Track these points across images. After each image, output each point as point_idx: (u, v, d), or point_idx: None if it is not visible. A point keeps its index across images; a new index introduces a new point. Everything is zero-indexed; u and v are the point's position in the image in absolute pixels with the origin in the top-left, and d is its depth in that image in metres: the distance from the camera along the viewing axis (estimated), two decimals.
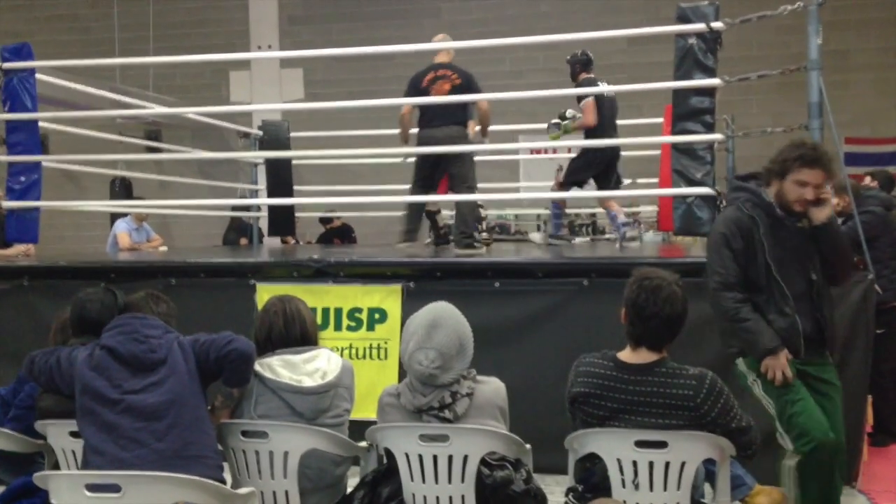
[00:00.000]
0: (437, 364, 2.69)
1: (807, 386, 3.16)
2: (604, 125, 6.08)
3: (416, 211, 5.98)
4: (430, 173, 5.92)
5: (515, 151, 10.44)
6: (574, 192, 6.47)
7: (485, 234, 7.35)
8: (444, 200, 6.76)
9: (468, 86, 5.69)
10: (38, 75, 5.67)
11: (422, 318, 2.79)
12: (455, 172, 5.81)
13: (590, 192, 6.69)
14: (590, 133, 6.16)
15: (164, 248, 8.14)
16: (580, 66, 6.29)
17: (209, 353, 2.80)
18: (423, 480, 2.68)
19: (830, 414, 3.14)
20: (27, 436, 3.14)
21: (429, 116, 5.79)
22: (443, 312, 2.80)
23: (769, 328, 3.13)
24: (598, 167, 6.14)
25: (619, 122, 9.02)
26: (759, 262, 3.17)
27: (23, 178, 5.55)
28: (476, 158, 7.23)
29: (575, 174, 6.29)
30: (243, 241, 9.88)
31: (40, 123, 5.78)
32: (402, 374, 3.85)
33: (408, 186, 7.22)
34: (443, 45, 5.98)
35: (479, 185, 7.21)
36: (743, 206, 3.24)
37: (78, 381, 2.75)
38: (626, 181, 9.21)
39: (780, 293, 3.15)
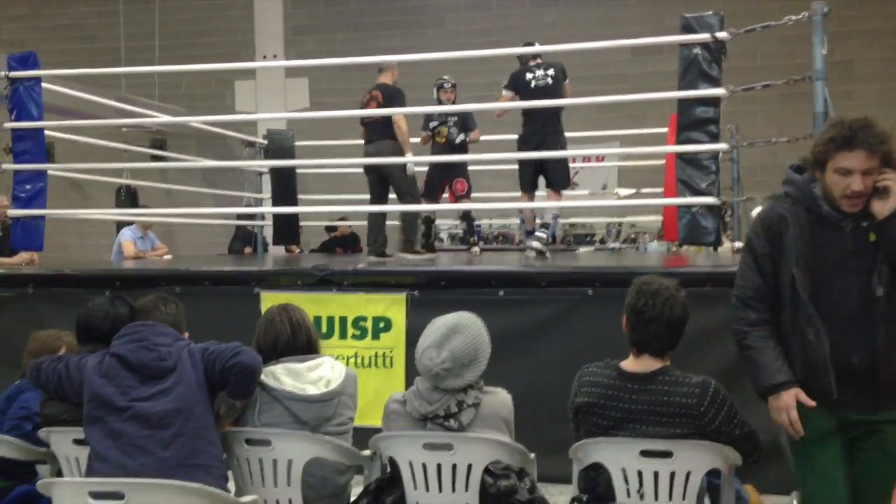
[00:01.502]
0: (446, 366, 2.69)
1: (856, 448, 2.55)
2: (531, 114, 6.02)
3: (380, 223, 6.34)
4: (380, 187, 6.32)
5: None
6: (550, 203, 6.38)
7: (476, 248, 7.36)
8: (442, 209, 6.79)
9: (389, 104, 6.04)
10: (43, 84, 5.70)
11: (445, 319, 2.80)
12: (395, 186, 6.22)
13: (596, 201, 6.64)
14: (523, 123, 6.15)
15: (168, 257, 8.15)
16: (521, 60, 6.31)
17: (215, 364, 2.80)
18: (427, 489, 2.67)
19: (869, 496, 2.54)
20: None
21: (368, 133, 6.25)
22: (466, 321, 2.80)
23: (778, 361, 2.60)
24: (529, 163, 6.07)
25: (623, 132, 9.10)
26: (785, 272, 2.61)
27: (28, 187, 5.57)
28: (480, 168, 7.28)
29: (520, 176, 6.26)
30: (248, 249, 9.91)
31: (46, 132, 5.80)
32: (408, 381, 3.85)
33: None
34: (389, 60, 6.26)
35: (481, 195, 7.25)
36: (777, 202, 2.72)
37: (87, 389, 2.75)
38: (631, 191, 9.26)
39: (805, 313, 2.56)
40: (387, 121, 6.01)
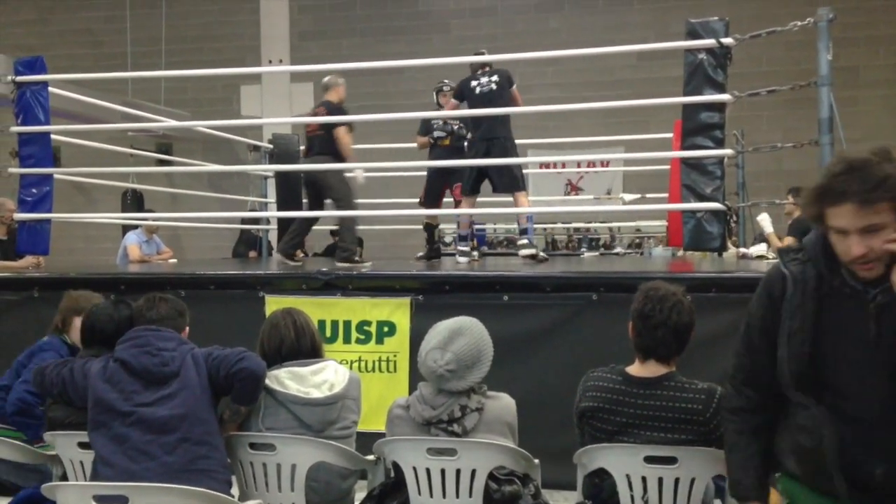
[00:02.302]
0: (450, 367, 2.69)
1: None
2: (476, 120, 6.11)
3: (305, 227, 6.40)
4: (316, 200, 6.33)
5: (525, 166, 10.48)
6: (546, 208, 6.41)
7: (475, 253, 7.31)
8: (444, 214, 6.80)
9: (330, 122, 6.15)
10: (50, 88, 5.71)
11: (448, 323, 2.81)
12: (332, 195, 6.20)
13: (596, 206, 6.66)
14: (471, 130, 6.27)
15: (174, 261, 8.17)
16: (471, 68, 6.37)
17: (219, 370, 2.81)
18: (431, 495, 2.66)
19: None
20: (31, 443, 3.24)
21: (308, 147, 6.41)
22: (469, 323, 2.82)
23: (741, 469, 2.21)
24: (472, 169, 6.15)
25: (628, 137, 9.10)
26: (782, 351, 2.06)
27: (35, 190, 5.58)
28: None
29: (463, 181, 6.33)
30: (252, 253, 9.92)
31: (52, 136, 5.81)
32: (412, 386, 3.84)
33: (414, 200, 7.27)
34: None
35: (489, 200, 7.25)
36: (787, 259, 2.11)
37: (91, 394, 2.76)
38: (635, 196, 9.26)
39: (800, 409, 2.05)
40: (328, 136, 6.09)
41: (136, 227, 8.13)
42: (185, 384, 2.75)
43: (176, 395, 2.72)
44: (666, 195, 7.73)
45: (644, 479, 2.59)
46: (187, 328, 3.10)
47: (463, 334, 2.75)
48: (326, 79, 6.36)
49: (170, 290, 4.68)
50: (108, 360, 2.82)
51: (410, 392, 2.93)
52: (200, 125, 8.85)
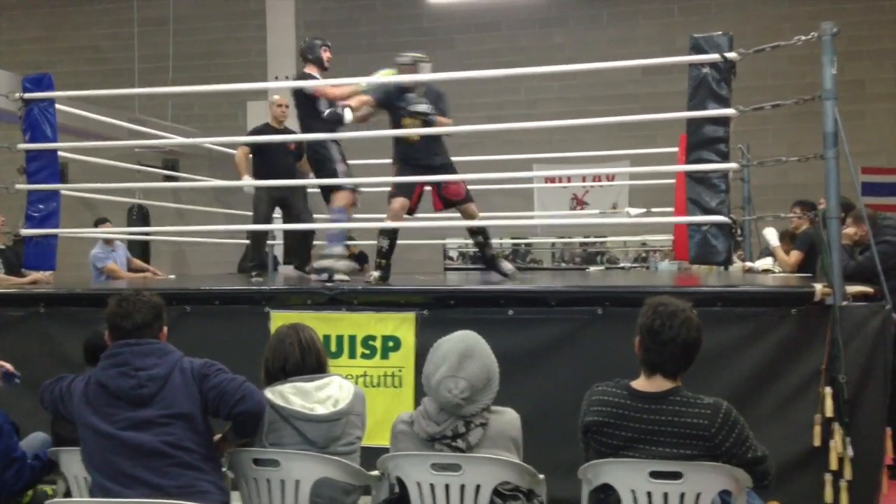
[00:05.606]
0: (465, 395, 2.67)
1: None
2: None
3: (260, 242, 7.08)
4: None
5: (530, 180, 10.49)
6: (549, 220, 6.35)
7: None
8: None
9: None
10: (58, 105, 5.74)
11: (453, 345, 2.76)
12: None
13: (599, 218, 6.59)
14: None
15: (161, 277, 8.17)
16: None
17: (219, 408, 2.75)
18: None
19: None
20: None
21: None
22: (475, 343, 2.78)
23: None
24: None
25: (633, 151, 9.11)
26: None
27: (41, 206, 5.60)
28: (492, 187, 7.27)
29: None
30: None
31: (60, 152, 5.84)
32: (417, 401, 3.83)
33: (419, 214, 7.23)
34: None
35: (494, 213, 7.24)
36: None
37: (76, 416, 2.75)
38: (641, 210, 9.25)
39: None
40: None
41: (144, 242, 8.15)
42: (170, 405, 2.68)
43: (159, 421, 2.65)
44: (671, 209, 7.72)
45: (649, 495, 2.58)
46: (165, 328, 2.93)
47: (472, 356, 2.71)
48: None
49: (175, 306, 4.69)
50: (89, 380, 2.77)
51: (416, 407, 2.92)
52: (207, 141, 8.88)
